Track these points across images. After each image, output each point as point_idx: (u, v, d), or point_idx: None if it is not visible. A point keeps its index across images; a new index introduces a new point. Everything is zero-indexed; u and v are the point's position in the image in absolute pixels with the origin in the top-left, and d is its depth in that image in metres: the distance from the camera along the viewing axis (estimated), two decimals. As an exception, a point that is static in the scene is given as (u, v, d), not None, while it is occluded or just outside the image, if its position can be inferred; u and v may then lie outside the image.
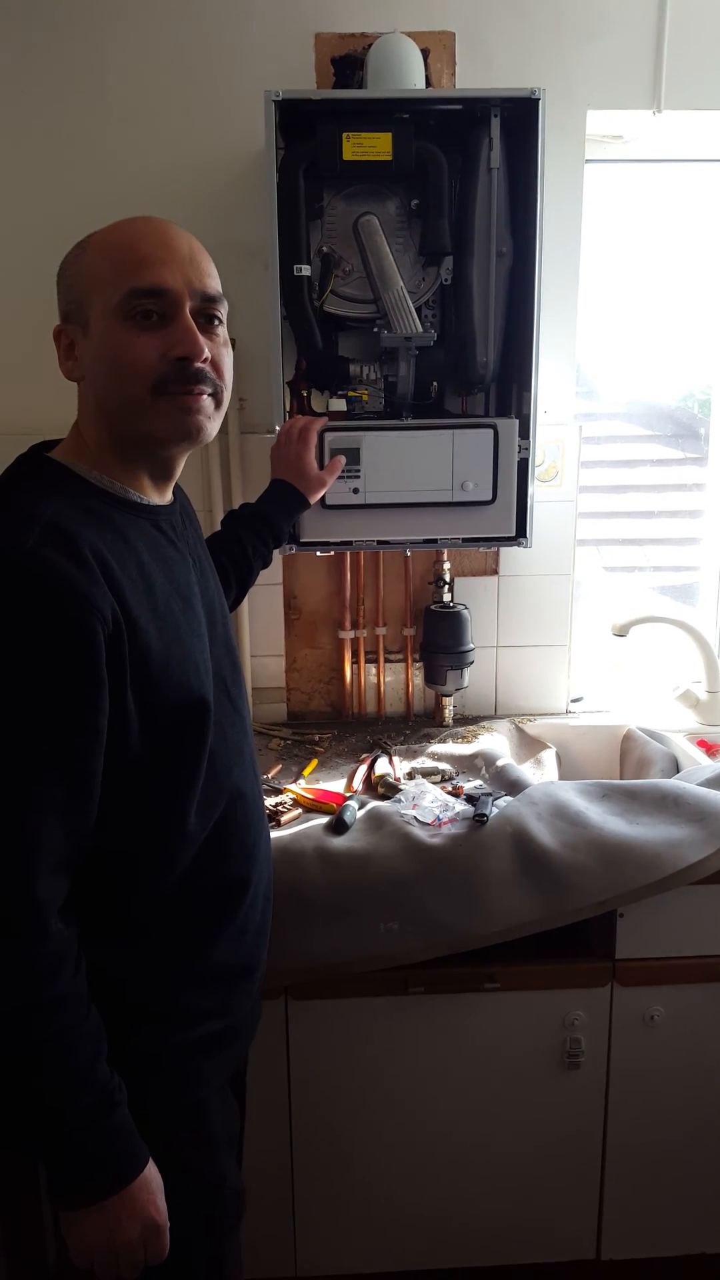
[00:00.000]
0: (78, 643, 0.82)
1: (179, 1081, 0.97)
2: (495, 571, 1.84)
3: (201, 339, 0.93)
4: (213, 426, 0.97)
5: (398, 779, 1.56)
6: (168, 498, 1.03)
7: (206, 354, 0.93)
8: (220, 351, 0.97)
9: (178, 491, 1.07)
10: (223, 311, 0.98)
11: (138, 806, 0.90)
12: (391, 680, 1.88)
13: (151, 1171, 0.90)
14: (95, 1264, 0.89)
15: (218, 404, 0.97)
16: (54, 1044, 0.84)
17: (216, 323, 0.97)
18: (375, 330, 1.51)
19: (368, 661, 1.86)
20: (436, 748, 1.72)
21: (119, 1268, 0.89)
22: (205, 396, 0.94)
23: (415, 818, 1.41)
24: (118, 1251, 0.88)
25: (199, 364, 0.93)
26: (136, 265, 0.91)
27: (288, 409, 1.59)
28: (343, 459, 1.50)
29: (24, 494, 0.89)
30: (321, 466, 1.49)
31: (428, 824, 1.40)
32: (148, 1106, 0.91)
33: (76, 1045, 0.85)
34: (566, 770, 1.80)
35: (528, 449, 1.54)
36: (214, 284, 0.96)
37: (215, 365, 0.95)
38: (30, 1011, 0.83)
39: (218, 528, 1.43)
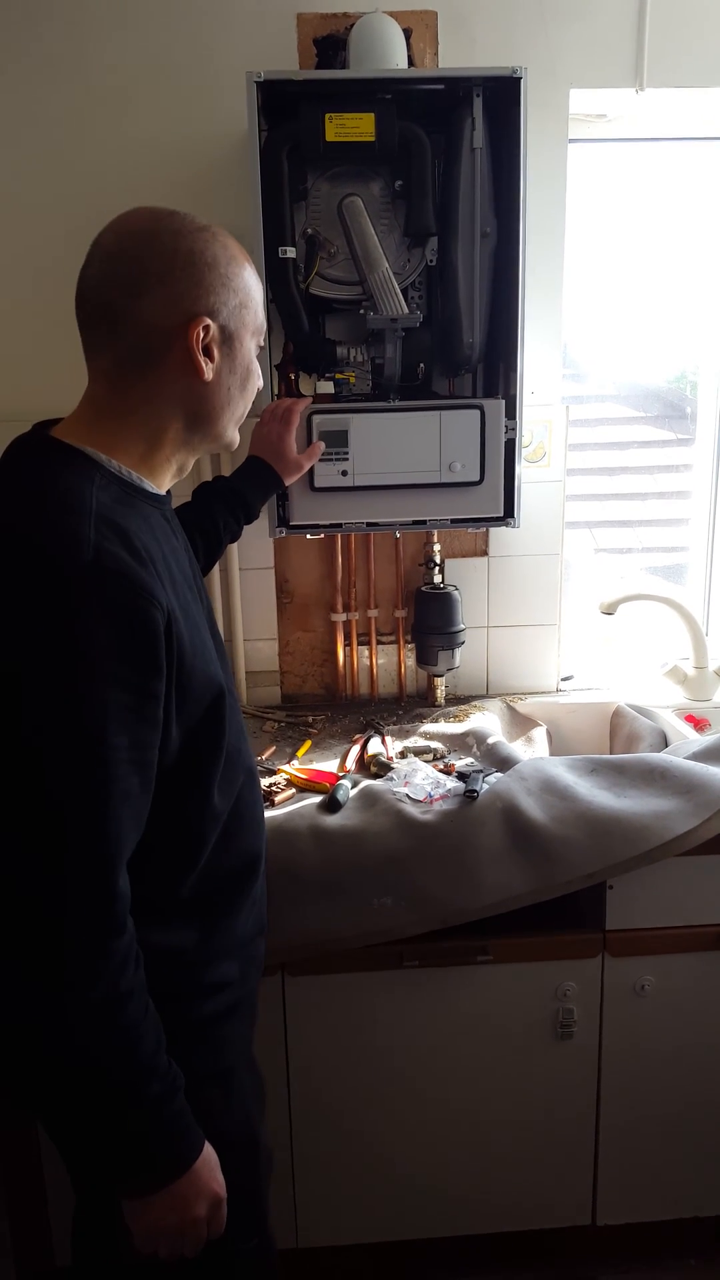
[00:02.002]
0: (146, 635, 0.83)
1: (211, 1051, 1.00)
2: (485, 552, 1.86)
3: None
4: None
5: (390, 758, 1.58)
6: (166, 487, 1.03)
7: None
8: None
9: None
10: None
11: (171, 794, 0.91)
12: (384, 662, 1.90)
13: (208, 1148, 0.93)
14: (161, 1246, 0.91)
15: None
16: (127, 1035, 0.85)
17: None
18: (361, 312, 1.52)
19: (360, 643, 1.88)
20: (429, 727, 1.74)
21: (184, 1246, 0.92)
22: None
23: (407, 795, 1.43)
24: (185, 1230, 0.91)
25: None
26: (260, 301, 1.00)
27: (275, 392, 1.60)
28: (322, 445, 1.51)
29: (62, 482, 0.87)
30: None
31: (419, 801, 1.41)
32: (189, 1075, 0.93)
33: (145, 1035, 0.87)
34: (557, 747, 1.82)
35: (515, 429, 1.55)
36: None
37: None
38: (110, 1004, 0.84)
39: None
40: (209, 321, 0.92)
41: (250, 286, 0.97)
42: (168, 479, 1.00)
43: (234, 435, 1.02)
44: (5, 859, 0.82)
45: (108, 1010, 0.84)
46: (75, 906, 0.82)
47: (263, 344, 1.02)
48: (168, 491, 1.03)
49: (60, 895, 0.82)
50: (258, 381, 1.02)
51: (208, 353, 0.93)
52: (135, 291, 0.90)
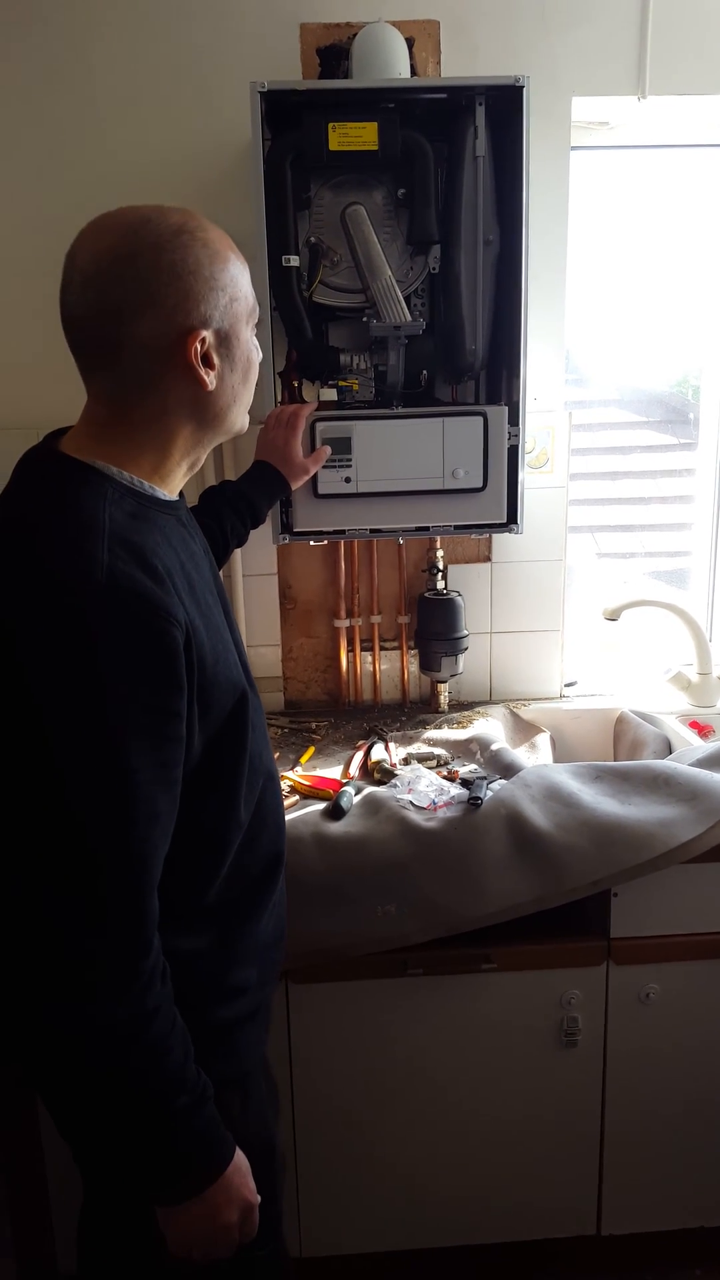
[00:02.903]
0: (165, 655, 0.82)
1: (229, 1055, 1.00)
2: (488, 558, 1.86)
3: None
4: None
5: (394, 765, 1.58)
6: (178, 492, 1.02)
7: None
8: None
9: None
10: None
11: (194, 801, 0.91)
12: (387, 668, 1.90)
13: (239, 1155, 0.93)
14: (195, 1251, 0.92)
15: None
16: (154, 1050, 0.85)
17: None
18: (365, 320, 1.52)
19: (363, 649, 1.88)
20: (432, 733, 1.74)
21: (218, 1250, 0.93)
22: None
23: (411, 802, 1.43)
24: (217, 1236, 0.92)
25: None
26: (245, 271, 0.96)
27: (279, 399, 1.60)
28: (328, 449, 1.51)
29: (75, 502, 0.86)
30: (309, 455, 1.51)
31: (423, 808, 1.41)
32: (210, 1080, 0.93)
33: (172, 1048, 0.87)
34: (561, 754, 1.82)
35: (518, 436, 1.56)
36: None
37: None
38: (137, 1021, 0.84)
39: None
40: (204, 333, 0.90)
41: (236, 276, 0.93)
42: (179, 481, 0.99)
43: (244, 421, 1.01)
44: (37, 883, 0.82)
45: (135, 1027, 0.84)
46: (106, 930, 0.82)
47: (258, 319, 1.00)
48: (181, 493, 1.03)
49: (91, 919, 0.82)
50: (257, 359, 1.00)
51: (207, 362, 0.91)
52: (125, 318, 0.87)
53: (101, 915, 0.82)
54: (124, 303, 0.87)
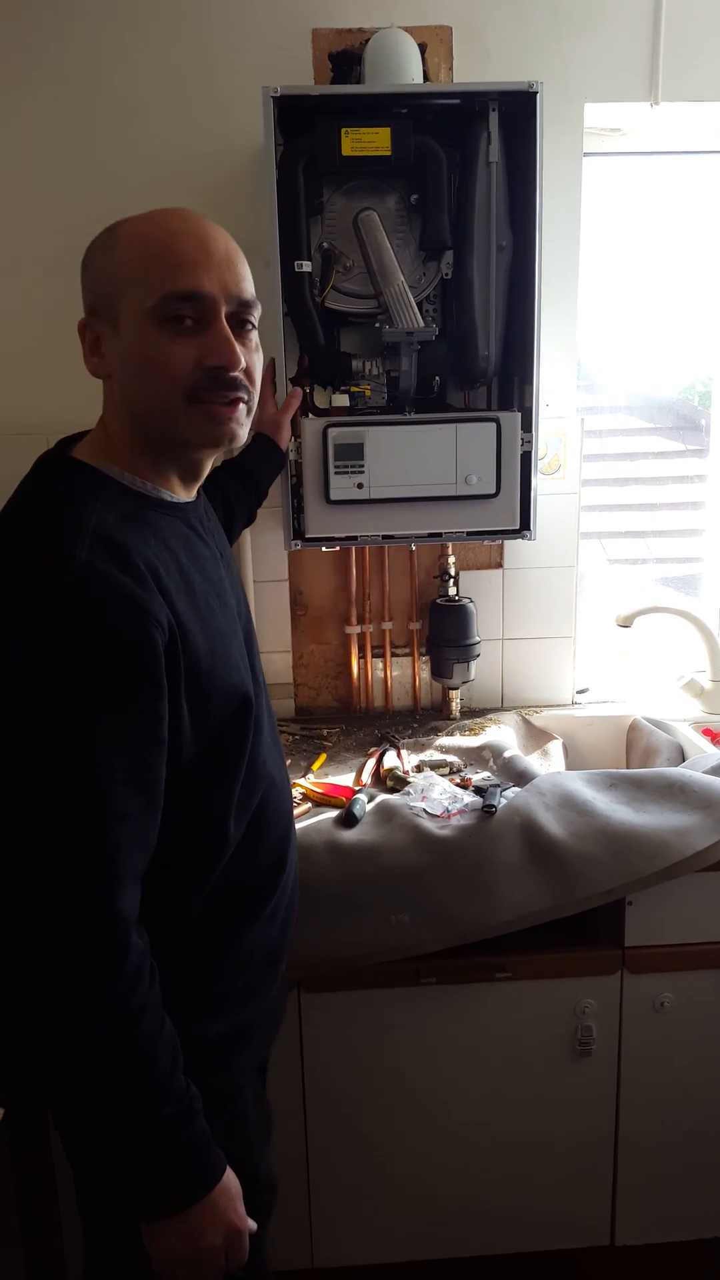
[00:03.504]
0: (140, 655, 0.81)
1: (215, 1072, 0.98)
2: (500, 565, 1.85)
3: (237, 348, 0.90)
4: (244, 433, 0.95)
5: (406, 772, 1.57)
6: (194, 494, 1.01)
7: (242, 363, 0.91)
8: (253, 358, 0.94)
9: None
10: (256, 316, 0.94)
11: (187, 806, 0.90)
12: (398, 674, 1.89)
13: (230, 1177, 0.90)
14: (179, 1272, 0.90)
15: (249, 410, 0.95)
16: (137, 1056, 0.84)
17: (249, 327, 0.94)
18: (377, 325, 1.52)
19: (374, 656, 1.87)
20: (444, 740, 1.73)
21: (202, 1274, 0.90)
22: (240, 405, 0.93)
23: (424, 810, 1.42)
24: (201, 1258, 0.89)
25: (234, 374, 0.90)
26: (173, 267, 0.87)
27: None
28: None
29: (64, 502, 0.87)
30: (326, 464, 1.50)
31: (437, 816, 1.40)
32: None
33: (158, 1056, 0.85)
34: (573, 761, 1.81)
35: (530, 442, 1.55)
36: (249, 287, 0.93)
37: (248, 373, 0.93)
38: (115, 1026, 0.83)
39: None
40: (88, 319, 0.93)
41: (133, 265, 0.88)
42: (180, 485, 0.98)
43: (193, 430, 0.91)
44: (11, 882, 0.81)
45: (118, 1028, 0.83)
46: (77, 929, 0.81)
47: (188, 319, 0.89)
48: (198, 496, 1.02)
49: (63, 918, 0.81)
50: (174, 366, 0.88)
51: (97, 350, 0.93)
52: None
53: (72, 914, 0.81)
54: None
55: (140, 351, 0.89)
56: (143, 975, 0.85)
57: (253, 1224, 0.93)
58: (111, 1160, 0.88)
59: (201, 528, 1.01)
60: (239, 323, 0.93)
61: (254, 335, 0.95)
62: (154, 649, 0.82)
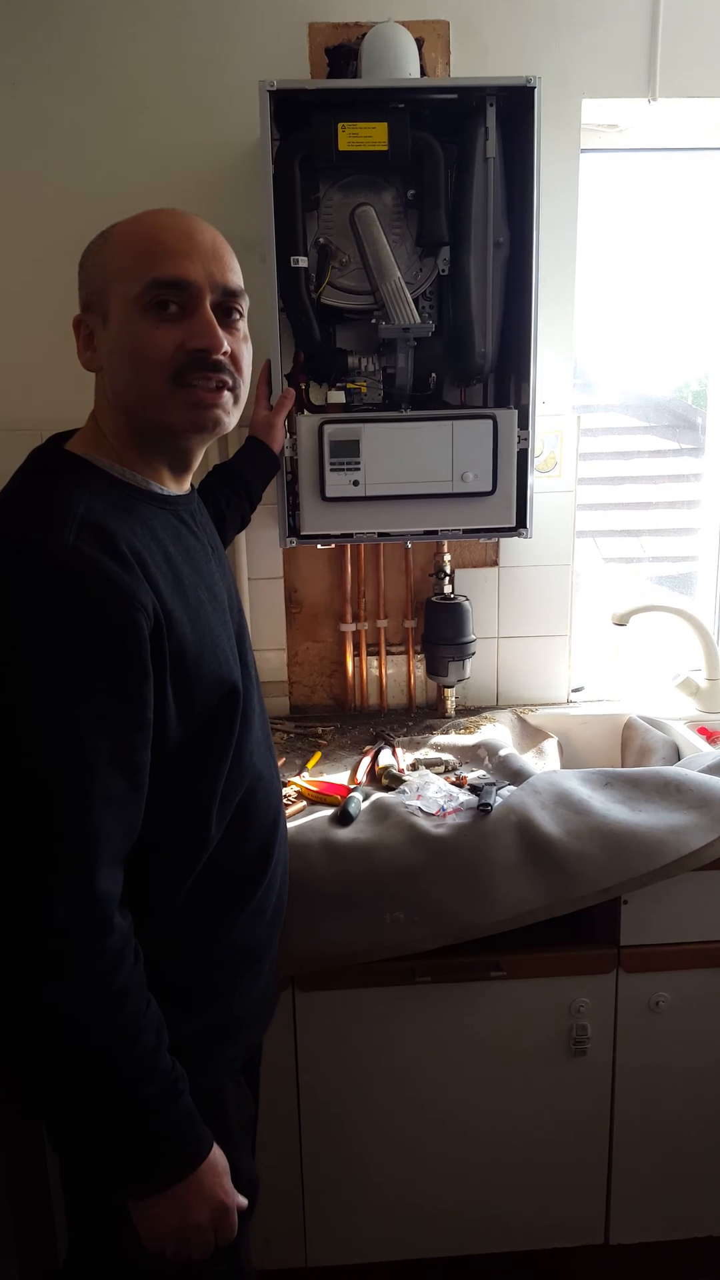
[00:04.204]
0: (125, 638, 0.82)
1: (196, 1068, 0.97)
2: (495, 563, 1.85)
3: (221, 333, 0.92)
4: (230, 420, 0.97)
5: (401, 770, 1.56)
6: (186, 488, 1.03)
7: (226, 347, 0.93)
8: (240, 346, 0.96)
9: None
10: (244, 306, 0.97)
11: (171, 795, 0.91)
12: (393, 672, 1.89)
13: (217, 1155, 0.91)
14: (167, 1248, 0.91)
15: (236, 398, 0.96)
16: (119, 1035, 0.84)
17: (237, 316, 0.96)
18: (373, 321, 1.51)
19: (369, 654, 1.86)
20: (439, 739, 1.72)
21: (191, 1250, 0.91)
22: (225, 391, 0.94)
23: (420, 808, 1.41)
24: (189, 1235, 0.90)
25: (217, 356, 0.92)
26: (158, 256, 0.91)
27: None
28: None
29: (53, 490, 0.89)
30: (322, 461, 1.50)
31: (432, 814, 1.40)
32: None
33: (140, 1035, 0.85)
34: (568, 759, 1.81)
35: (527, 439, 1.54)
36: (235, 278, 0.96)
37: (234, 359, 0.95)
38: (97, 1006, 0.83)
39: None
40: (81, 316, 0.96)
41: (122, 258, 0.92)
42: (170, 478, 0.99)
43: (177, 415, 0.93)
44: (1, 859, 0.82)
45: (101, 1007, 0.83)
46: (59, 909, 0.82)
47: (172, 304, 0.91)
48: (190, 490, 1.03)
49: (45, 897, 0.81)
50: (157, 350, 0.91)
51: (90, 344, 0.96)
52: None
53: (54, 893, 0.82)
54: None
55: (127, 338, 0.91)
56: (126, 955, 0.85)
57: (242, 1200, 0.93)
58: (96, 1138, 0.88)
59: (193, 521, 1.01)
60: (225, 311, 0.95)
61: (242, 325, 0.98)
62: (139, 632, 0.83)
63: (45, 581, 0.81)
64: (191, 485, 1.05)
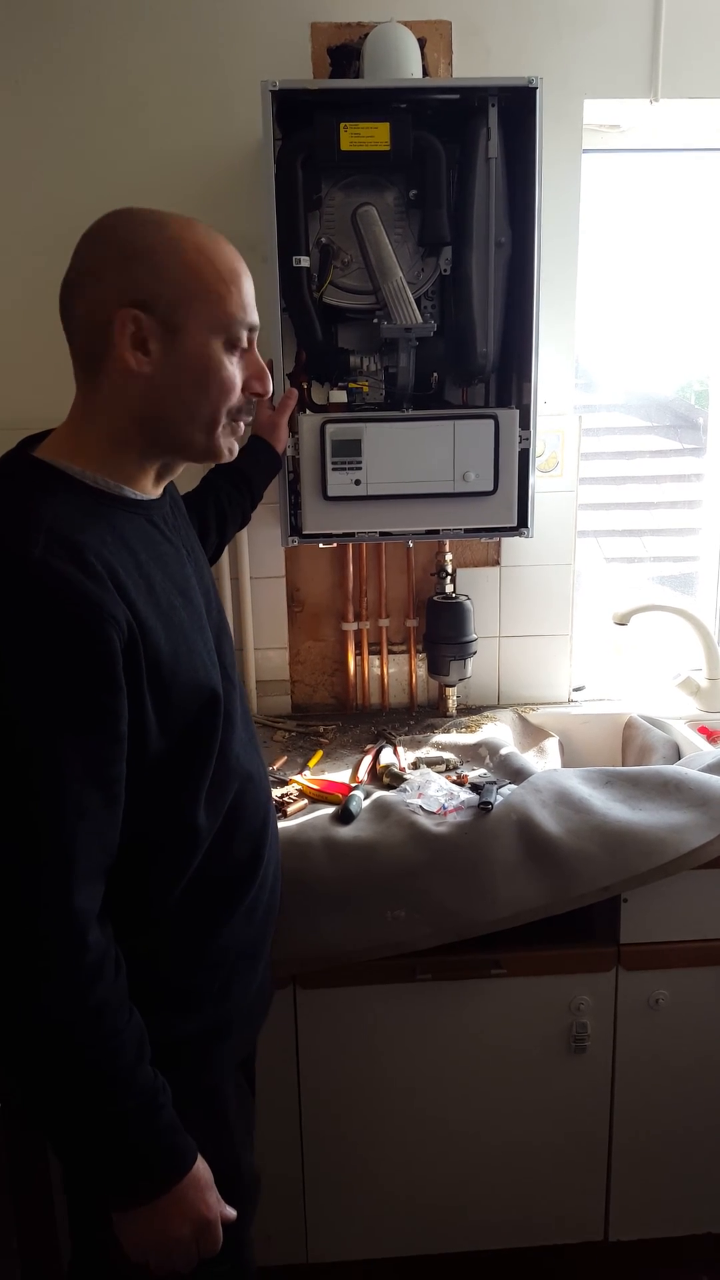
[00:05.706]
0: (96, 652, 0.81)
1: (193, 1069, 0.98)
2: (497, 562, 1.85)
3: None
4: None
5: (402, 769, 1.57)
6: (159, 492, 1.01)
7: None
8: None
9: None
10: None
11: (155, 802, 0.91)
12: (395, 671, 1.89)
13: (201, 1167, 0.91)
14: (150, 1260, 0.91)
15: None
16: (98, 1050, 0.84)
17: None
18: (375, 321, 1.51)
19: (371, 653, 1.87)
20: (440, 737, 1.73)
21: (173, 1263, 0.91)
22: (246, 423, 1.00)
23: (421, 806, 1.42)
24: (170, 1248, 0.90)
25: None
26: (245, 295, 0.94)
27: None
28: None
29: (21, 500, 0.87)
30: (324, 460, 1.50)
31: (433, 813, 1.40)
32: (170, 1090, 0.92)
33: (121, 1049, 0.85)
34: (569, 758, 1.81)
35: (528, 439, 1.55)
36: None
37: None
38: (74, 1021, 0.83)
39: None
40: (137, 313, 0.88)
41: (206, 279, 0.90)
42: (151, 483, 0.98)
43: (214, 444, 0.96)
44: None
45: (78, 1023, 0.83)
46: (35, 925, 0.82)
47: (244, 344, 0.94)
48: (164, 493, 1.02)
49: (21, 913, 0.81)
50: (231, 385, 0.94)
51: (142, 347, 0.89)
52: (77, 290, 0.91)
53: (30, 910, 0.81)
54: (79, 275, 0.91)
55: (203, 364, 0.92)
56: (104, 970, 0.85)
57: (230, 1212, 0.93)
58: (80, 1149, 0.88)
59: (165, 525, 1.00)
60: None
61: None
62: (111, 646, 0.82)
63: (14, 596, 0.80)
64: (164, 489, 1.03)
